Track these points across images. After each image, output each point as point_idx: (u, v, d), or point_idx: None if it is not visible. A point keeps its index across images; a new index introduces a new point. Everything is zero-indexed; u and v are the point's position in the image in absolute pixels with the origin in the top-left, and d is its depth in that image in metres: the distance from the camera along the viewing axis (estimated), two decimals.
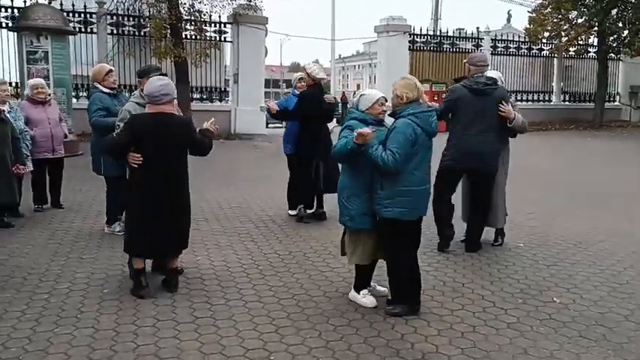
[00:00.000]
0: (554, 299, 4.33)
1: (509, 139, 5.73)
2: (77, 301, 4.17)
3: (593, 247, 5.79)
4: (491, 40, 21.74)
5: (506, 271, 4.99)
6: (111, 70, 6.15)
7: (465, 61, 5.77)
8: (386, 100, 4.16)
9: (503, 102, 5.35)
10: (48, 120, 6.89)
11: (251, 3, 16.52)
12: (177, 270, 4.53)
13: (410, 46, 19.64)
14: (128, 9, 15.92)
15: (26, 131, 6.63)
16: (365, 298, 4.19)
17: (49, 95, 7.15)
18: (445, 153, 5.46)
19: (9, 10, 13.56)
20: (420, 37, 20.03)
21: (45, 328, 3.72)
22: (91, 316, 3.91)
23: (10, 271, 4.79)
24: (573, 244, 5.87)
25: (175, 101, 4.39)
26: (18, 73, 12.35)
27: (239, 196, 8.05)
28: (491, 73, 5.58)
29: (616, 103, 23.69)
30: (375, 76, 23.86)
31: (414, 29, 19.73)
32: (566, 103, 23.03)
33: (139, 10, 15.93)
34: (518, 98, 21.91)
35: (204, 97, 17.19)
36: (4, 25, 13.33)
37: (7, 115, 6.21)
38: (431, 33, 21.28)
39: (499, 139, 5.46)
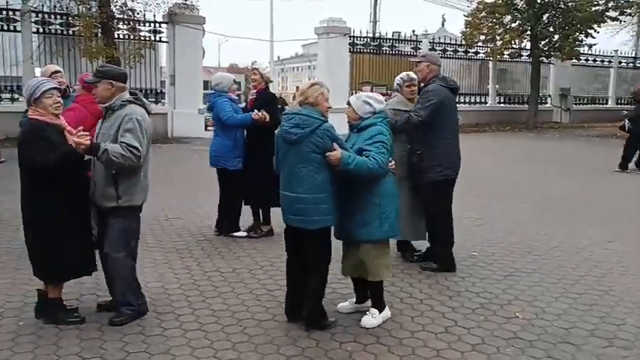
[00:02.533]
0: (517, 314, 4.12)
1: None
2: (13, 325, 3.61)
3: (547, 254, 5.67)
4: (429, 42, 21.99)
5: (464, 284, 4.76)
6: (57, 71, 5.61)
7: (415, 60, 5.29)
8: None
9: None
10: None
11: (187, 2, 15.92)
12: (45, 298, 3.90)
13: (350, 48, 19.52)
14: (55, 6, 14.94)
15: None
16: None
17: None
18: (434, 164, 4.92)
19: None
20: (360, 40, 19.95)
21: None
22: (2, 357, 3.36)
23: None
24: (527, 251, 5.73)
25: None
26: None
27: (177, 207, 7.51)
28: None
29: (548, 105, 24.49)
30: (314, 78, 23.77)
31: (353, 31, 19.62)
32: (502, 104, 23.61)
33: (66, 8, 14.98)
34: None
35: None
36: None
37: None
38: (370, 35, 21.27)
39: None
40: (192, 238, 6.04)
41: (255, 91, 6.11)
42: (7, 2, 14.24)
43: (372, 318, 3.91)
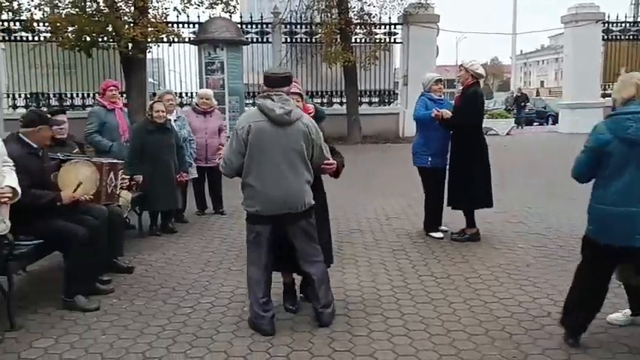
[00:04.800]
0: None
1: None
2: (216, 319, 3.98)
3: None
4: None
5: None
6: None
7: None
8: None
9: None
10: (205, 130, 7.02)
11: (422, 1, 15.91)
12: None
13: (603, 36, 17.39)
14: (301, 17, 16.30)
15: (191, 139, 6.82)
16: None
17: (212, 107, 7.25)
18: None
19: (194, 25, 14.60)
20: (616, 25, 17.63)
21: (179, 348, 3.55)
22: (226, 339, 3.67)
23: (163, 280, 4.82)
24: None
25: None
26: (197, 83, 13.21)
27: (398, 206, 7.51)
28: None
29: None
30: (561, 72, 21.68)
31: (608, 16, 17.42)
32: None
33: (310, 17, 16.23)
34: None
35: (373, 100, 16.97)
36: (188, 39, 14.38)
37: (173, 124, 6.42)
38: (630, 20, 18.65)
39: None
40: (409, 239, 5.95)
41: (461, 87, 5.87)
42: (261, 17, 15.99)
43: None
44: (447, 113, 5.62)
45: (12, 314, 3.83)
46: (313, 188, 3.85)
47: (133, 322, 3.95)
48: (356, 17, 15.87)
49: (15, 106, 14.72)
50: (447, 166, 5.85)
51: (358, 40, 16.16)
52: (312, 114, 4.19)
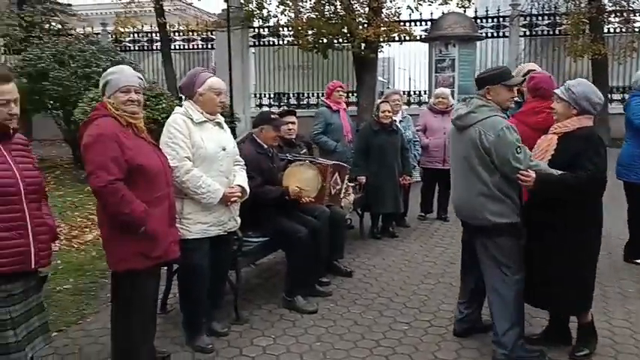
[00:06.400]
0: None
1: None
2: (434, 342, 3.63)
3: None
4: None
5: None
6: (532, 70, 5.30)
7: None
8: None
9: None
10: (443, 130, 6.62)
11: None
12: None
13: None
14: (543, 7, 14.92)
15: (415, 141, 6.55)
16: None
17: (449, 107, 6.84)
18: None
19: (426, 23, 14.34)
20: None
21: None
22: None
23: (381, 289, 4.63)
24: None
25: None
26: (427, 81, 12.92)
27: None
28: None
29: None
30: None
31: None
32: None
33: (554, 8, 14.75)
34: None
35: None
36: (419, 37, 14.17)
37: (398, 125, 6.21)
38: None
39: None
40: None
41: None
42: (498, 10, 15.03)
43: None
44: None
45: (238, 308, 3.99)
46: (562, 207, 3.21)
47: (348, 331, 3.82)
48: (610, 4, 13.92)
49: (260, 105, 16.18)
50: None
51: (612, 30, 14.17)
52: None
